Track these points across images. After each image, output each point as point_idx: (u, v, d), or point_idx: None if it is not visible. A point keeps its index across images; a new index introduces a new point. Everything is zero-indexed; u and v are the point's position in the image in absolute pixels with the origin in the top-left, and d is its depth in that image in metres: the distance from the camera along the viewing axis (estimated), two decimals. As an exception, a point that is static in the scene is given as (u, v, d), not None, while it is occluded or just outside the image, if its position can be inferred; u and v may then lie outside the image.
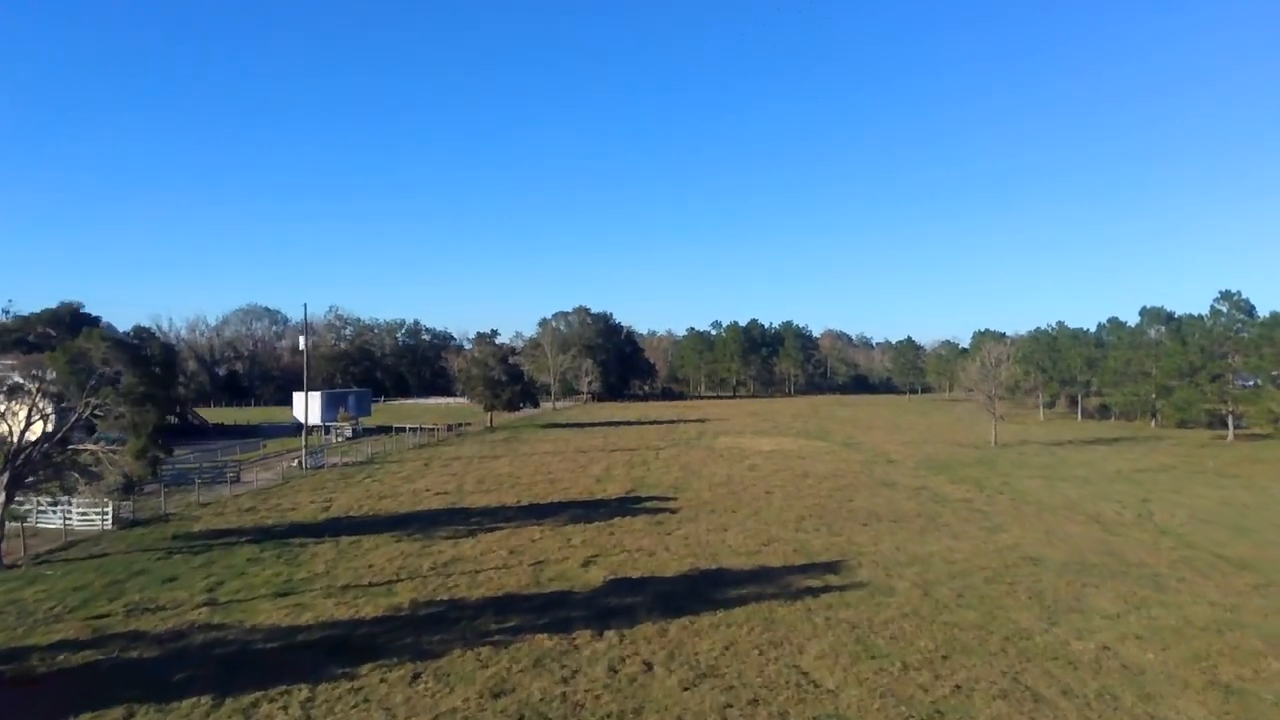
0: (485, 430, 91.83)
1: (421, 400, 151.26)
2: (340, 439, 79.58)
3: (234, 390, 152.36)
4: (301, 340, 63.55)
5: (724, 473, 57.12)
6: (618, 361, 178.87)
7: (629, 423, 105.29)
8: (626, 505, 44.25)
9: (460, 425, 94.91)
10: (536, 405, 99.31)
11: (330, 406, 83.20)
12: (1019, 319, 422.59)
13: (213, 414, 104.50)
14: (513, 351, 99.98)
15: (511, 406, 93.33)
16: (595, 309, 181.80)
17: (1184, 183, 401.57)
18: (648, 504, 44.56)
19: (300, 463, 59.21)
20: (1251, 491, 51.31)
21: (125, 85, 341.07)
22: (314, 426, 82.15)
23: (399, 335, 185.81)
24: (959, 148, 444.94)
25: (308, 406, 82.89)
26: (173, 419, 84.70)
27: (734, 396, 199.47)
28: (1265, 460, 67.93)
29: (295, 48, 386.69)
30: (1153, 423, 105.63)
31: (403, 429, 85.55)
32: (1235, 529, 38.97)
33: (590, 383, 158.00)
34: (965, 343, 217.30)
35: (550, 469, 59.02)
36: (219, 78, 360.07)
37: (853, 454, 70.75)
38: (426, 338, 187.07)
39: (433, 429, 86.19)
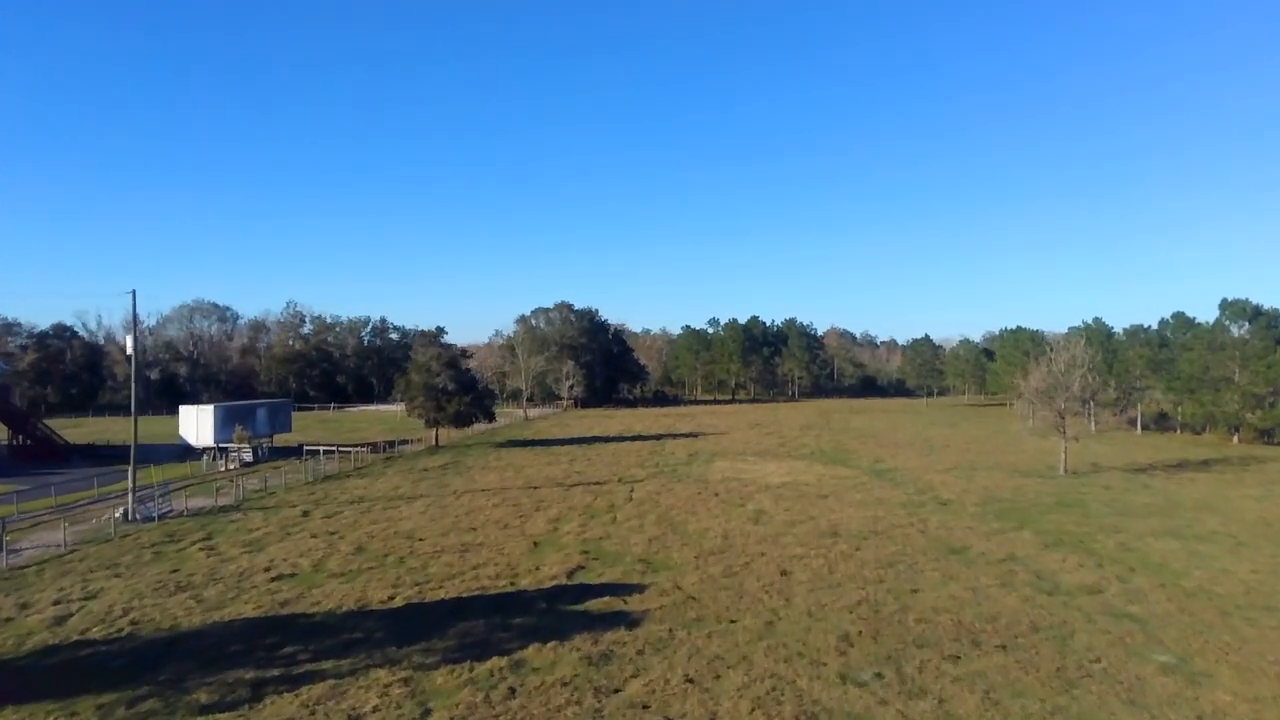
0: (426, 451, 74.75)
1: (383, 407, 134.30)
2: (234, 466, 62.71)
3: (173, 395, 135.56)
4: (129, 343, 46.19)
5: (719, 528, 40.23)
6: (604, 362, 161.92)
7: (607, 439, 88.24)
8: (562, 607, 27.40)
9: (398, 444, 77.77)
10: (491, 419, 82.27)
11: (226, 423, 66.24)
12: (1035, 316, 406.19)
13: (117, 427, 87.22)
14: (464, 354, 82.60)
15: (460, 421, 76.24)
16: (581, 305, 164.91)
17: (1197, 176, 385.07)
18: (595, 604, 27.69)
19: (127, 512, 42.37)
20: None
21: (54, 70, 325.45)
22: (206, 448, 65.41)
23: (363, 334, 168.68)
24: (967, 139, 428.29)
25: (198, 424, 66.24)
26: (21, 439, 68.11)
27: (733, 400, 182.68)
28: None
29: (264, 39, 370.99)
30: (1234, 437, 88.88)
31: (316, 451, 68.49)
32: None
33: (572, 387, 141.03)
34: (976, 338, 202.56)
35: (477, 522, 42.16)
36: (192, 67, 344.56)
37: (888, 489, 53.94)
38: (395, 337, 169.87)
39: (353, 450, 68.91)
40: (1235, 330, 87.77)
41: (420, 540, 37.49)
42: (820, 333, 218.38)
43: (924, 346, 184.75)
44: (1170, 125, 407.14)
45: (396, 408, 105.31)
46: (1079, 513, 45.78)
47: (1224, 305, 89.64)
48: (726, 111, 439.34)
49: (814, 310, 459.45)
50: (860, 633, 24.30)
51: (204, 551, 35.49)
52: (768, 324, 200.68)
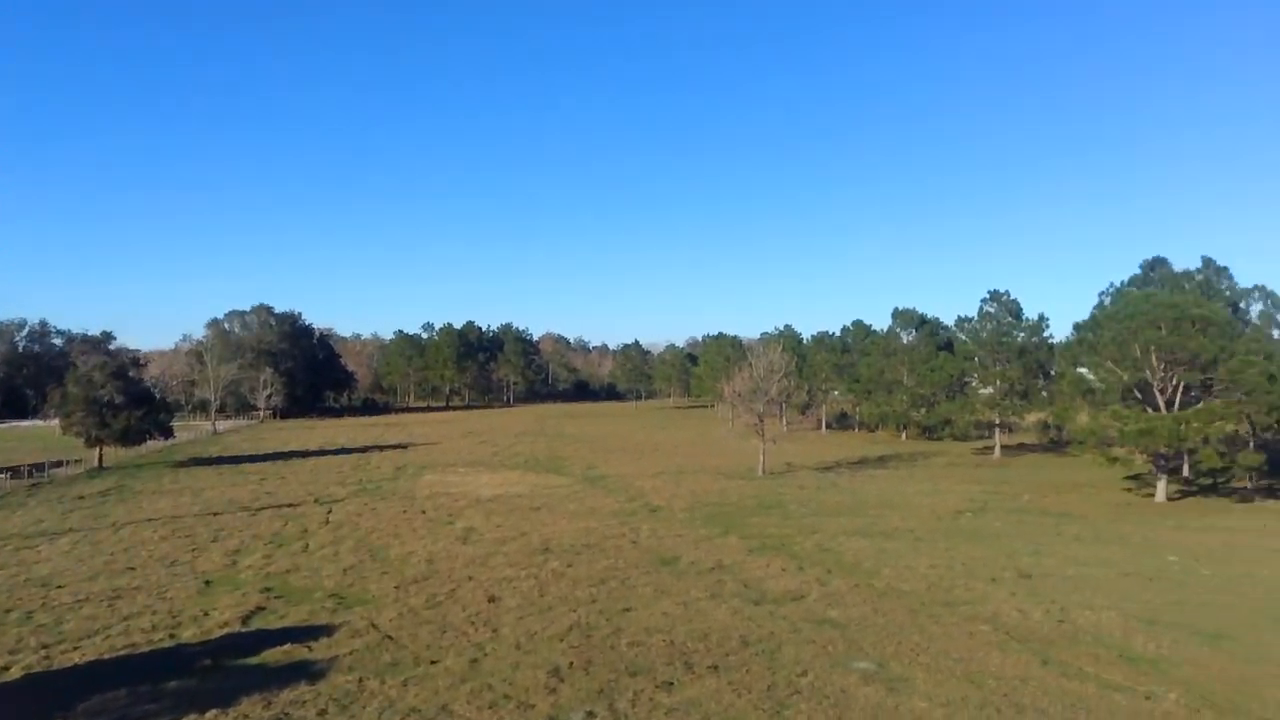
0: (85, 475, 64.91)
1: (41, 423, 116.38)
2: None
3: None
4: None
5: (424, 552, 37.35)
6: (308, 369, 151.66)
7: (307, 453, 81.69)
8: (232, 662, 23.42)
9: (49, 467, 66.97)
10: (169, 435, 73.29)
11: None
12: (734, 323, 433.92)
13: None
14: (138, 362, 73.08)
15: (130, 439, 67.01)
16: (283, 308, 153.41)
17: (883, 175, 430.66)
18: (274, 654, 23.98)
19: None
20: (1128, 547, 39.61)
21: None
22: None
23: (17, 339, 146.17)
24: (668, 157, 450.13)
25: None
26: None
27: (447, 407, 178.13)
28: (1083, 485, 59.15)
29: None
30: (902, 434, 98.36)
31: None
32: (1219, 639, 25.28)
33: (270, 396, 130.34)
34: (682, 344, 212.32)
35: (137, 560, 36.28)
36: None
37: (601, 497, 53.56)
38: (58, 342, 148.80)
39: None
40: (905, 337, 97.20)
41: (58, 588, 31.37)
42: (536, 338, 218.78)
43: (634, 352, 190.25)
44: (845, 146, 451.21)
45: (54, 424, 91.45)
46: (779, 514, 47.58)
47: (895, 314, 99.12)
48: (439, 110, 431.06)
49: (531, 316, 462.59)
50: (572, 664, 22.67)
51: None
52: (484, 329, 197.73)
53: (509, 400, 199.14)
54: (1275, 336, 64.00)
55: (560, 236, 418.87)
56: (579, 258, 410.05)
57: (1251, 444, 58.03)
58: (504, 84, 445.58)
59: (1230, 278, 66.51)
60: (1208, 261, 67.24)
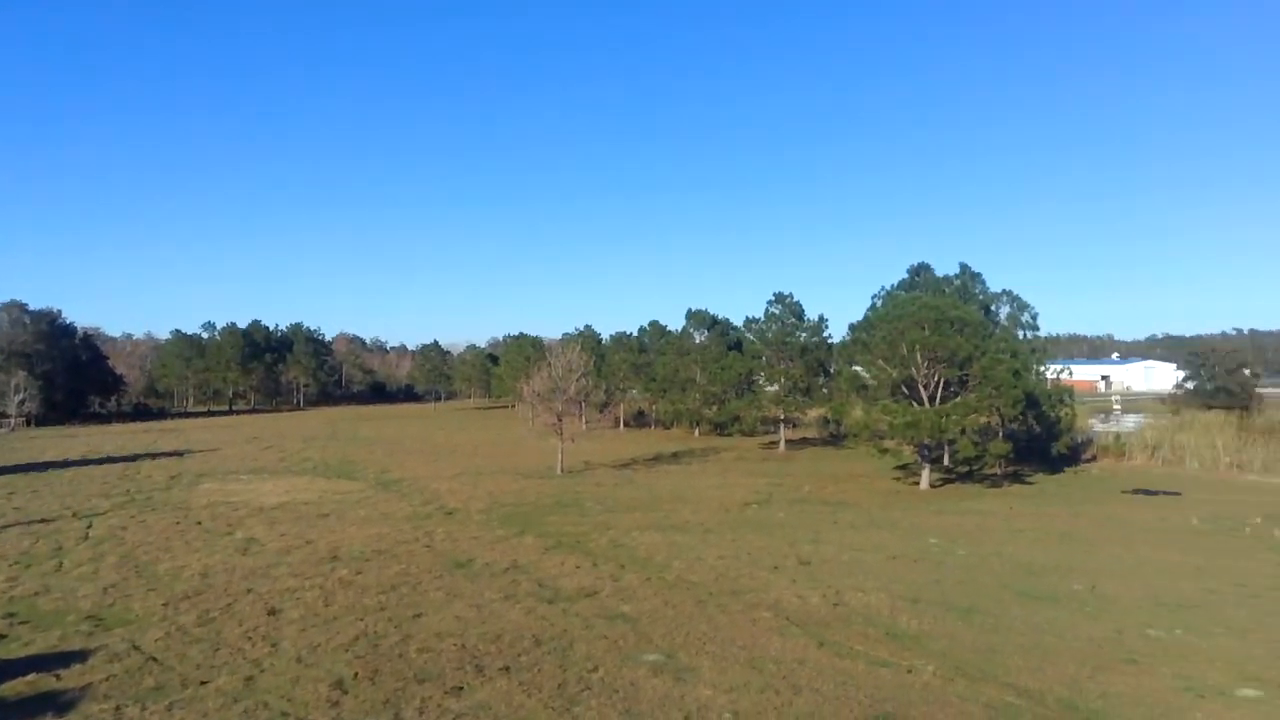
0: None
1: None
2: None
3: None
4: None
5: (198, 565, 34.89)
6: (69, 372, 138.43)
7: (66, 463, 74.46)
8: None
9: None
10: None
11: None
12: (535, 323, 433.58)
13: None
14: None
15: None
16: (39, 305, 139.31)
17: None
18: (15, 687, 21.59)
19: None
20: (897, 532, 42.71)
21: None
22: None
23: None
24: (476, 140, 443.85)
25: None
26: None
27: (231, 412, 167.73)
28: (858, 476, 63.12)
29: None
30: (695, 431, 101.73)
31: None
32: (971, 616, 27.75)
33: (23, 402, 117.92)
34: (483, 344, 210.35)
35: None
36: None
37: (395, 501, 52.06)
38: None
39: None
40: (698, 337, 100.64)
41: None
42: (329, 338, 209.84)
43: (433, 352, 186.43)
44: (642, 151, 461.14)
45: None
46: (576, 512, 47.94)
47: (689, 315, 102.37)
48: (213, 89, 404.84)
49: (323, 315, 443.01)
50: (356, 675, 21.86)
51: None
52: (271, 329, 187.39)
53: (299, 403, 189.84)
54: (1020, 336, 71.27)
55: (355, 233, 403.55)
56: (375, 255, 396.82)
57: (1001, 434, 64.09)
58: (278, 73, 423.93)
59: (983, 283, 73.31)
60: (964, 268, 73.81)
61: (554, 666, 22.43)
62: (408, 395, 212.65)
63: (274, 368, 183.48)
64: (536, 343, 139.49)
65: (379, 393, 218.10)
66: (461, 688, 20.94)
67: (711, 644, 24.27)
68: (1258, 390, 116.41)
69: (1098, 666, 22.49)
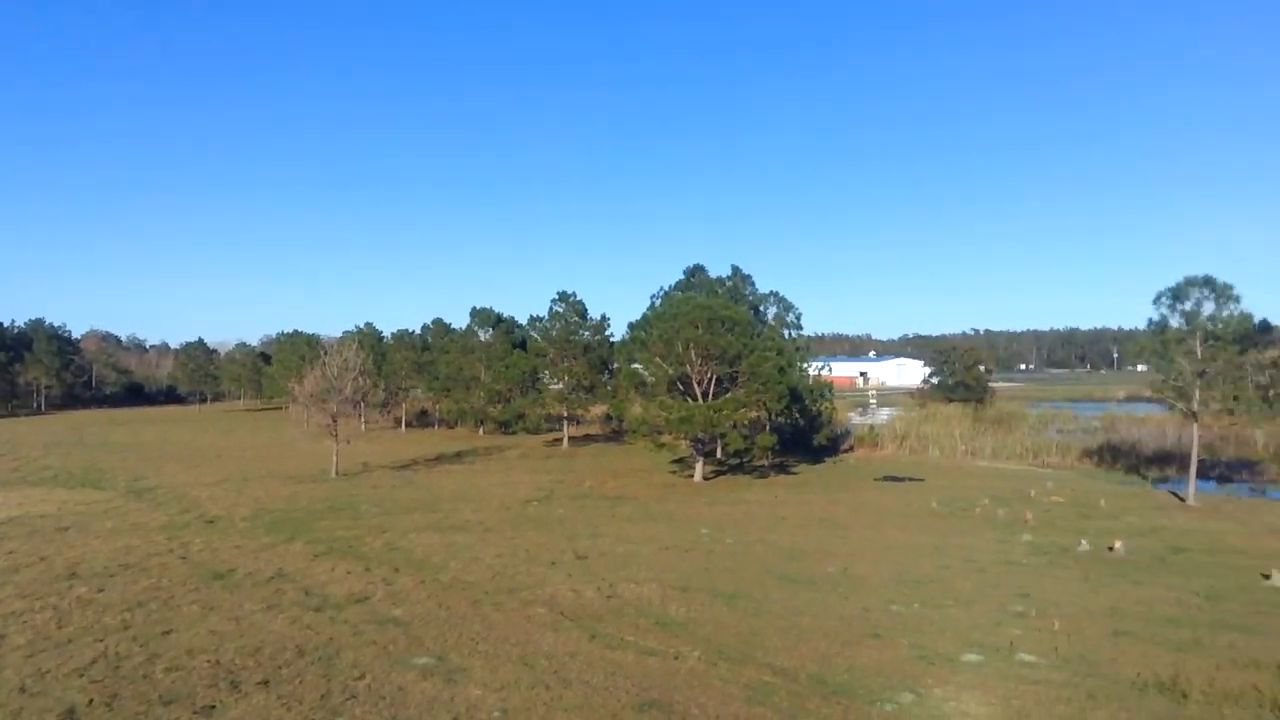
0: None
1: None
2: None
3: None
4: None
5: (-99, 591, 30.82)
6: None
7: None
8: None
9: None
10: None
11: None
12: (312, 320, 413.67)
13: None
14: None
15: None
16: None
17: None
18: None
19: None
20: (671, 523, 44.16)
21: None
22: None
23: None
24: (250, 126, 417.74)
25: None
26: None
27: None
28: (638, 470, 64.60)
29: None
30: (480, 430, 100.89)
31: None
32: (739, 606, 29.21)
33: None
34: (254, 342, 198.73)
35: None
36: None
37: (148, 511, 48.21)
38: None
39: None
40: (482, 335, 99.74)
41: None
42: (78, 336, 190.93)
43: (198, 350, 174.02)
44: (429, 148, 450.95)
45: None
46: (349, 516, 46.28)
47: (474, 313, 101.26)
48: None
49: (69, 311, 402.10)
50: (92, 701, 20.08)
51: None
52: (7, 325, 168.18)
53: (40, 407, 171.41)
54: (786, 335, 75.71)
55: (106, 221, 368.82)
56: (131, 245, 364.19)
57: (768, 427, 67.79)
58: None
59: (753, 284, 77.28)
60: (736, 270, 77.51)
61: (317, 677, 21.59)
62: (169, 397, 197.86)
63: (9, 368, 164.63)
64: (313, 340, 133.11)
65: (136, 395, 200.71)
66: (214, 706, 19.73)
67: (484, 643, 24.19)
68: (990, 384, 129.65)
69: (846, 642, 24.29)
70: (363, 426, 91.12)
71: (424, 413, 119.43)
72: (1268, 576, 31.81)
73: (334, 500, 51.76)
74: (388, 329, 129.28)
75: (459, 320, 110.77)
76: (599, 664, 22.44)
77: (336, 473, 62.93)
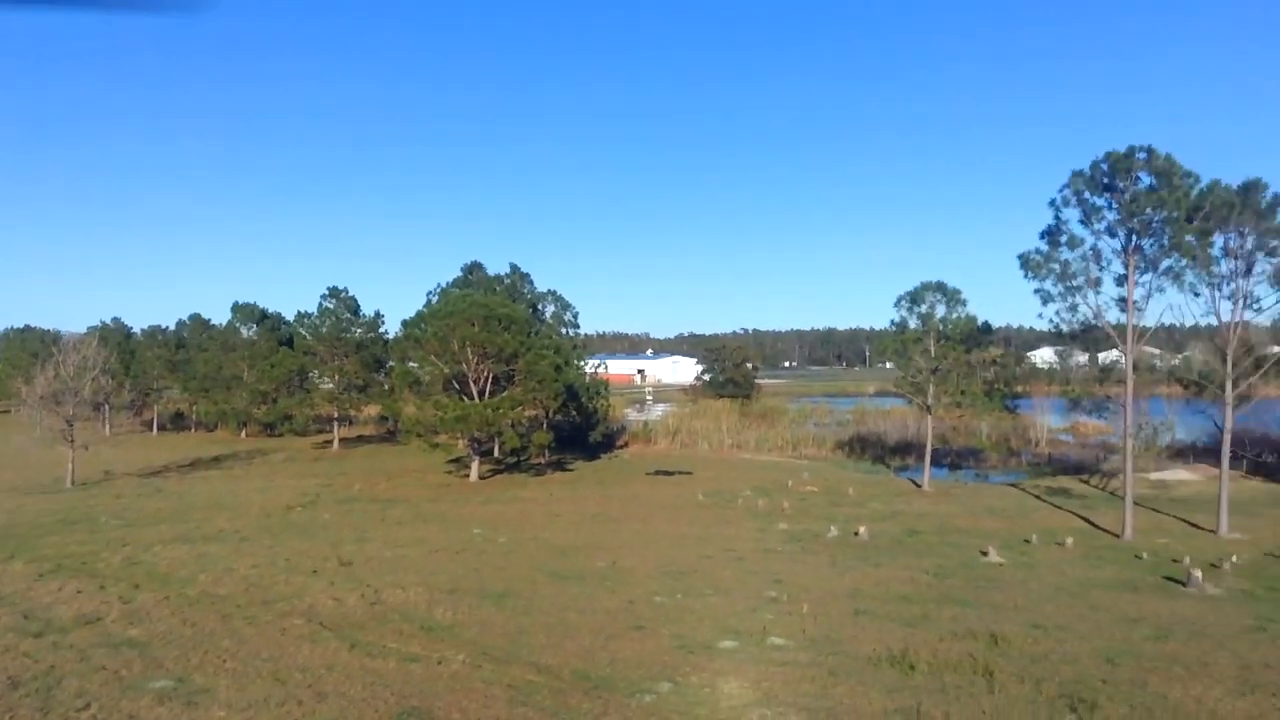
0: None
1: None
2: None
3: None
4: None
5: None
6: None
7: None
8: None
9: None
10: None
11: None
12: (50, 315, 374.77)
13: None
14: None
15: None
16: None
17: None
18: None
19: None
20: (443, 524, 43.38)
21: None
22: None
23: None
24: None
25: None
26: None
27: None
28: (412, 471, 62.94)
29: None
30: (242, 432, 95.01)
31: None
32: (504, 602, 29.10)
33: None
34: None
35: None
36: None
37: None
38: None
39: None
40: (245, 332, 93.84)
41: None
42: None
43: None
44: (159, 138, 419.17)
45: None
46: (85, 529, 42.21)
47: (235, 308, 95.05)
48: None
49: None
50: None
51: None
52: None
53: None
54: (563, 334, 76.39)
55: None
56: None
57: (545, 425, 68.13)
58: None
59: (531, 283, 77.30)
60: (514, 268, 77.28)
61: (32, 710, 19.47)
62: None
63: None
64: (48, 337, 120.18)
65: None
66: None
67: (232, 660, 22.74)
68: (757, 381, 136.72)
69: (610, 636, 24.78)
70: (107, 431, 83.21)
71: (179, 415, 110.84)
72: (985, 554, 35.52)
73: (67, 513, 47.03)
74: (138, 325, 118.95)
75: (219, 316, 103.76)
76: (358, 674, 21.66)
77: (72, 482, 57.23)
